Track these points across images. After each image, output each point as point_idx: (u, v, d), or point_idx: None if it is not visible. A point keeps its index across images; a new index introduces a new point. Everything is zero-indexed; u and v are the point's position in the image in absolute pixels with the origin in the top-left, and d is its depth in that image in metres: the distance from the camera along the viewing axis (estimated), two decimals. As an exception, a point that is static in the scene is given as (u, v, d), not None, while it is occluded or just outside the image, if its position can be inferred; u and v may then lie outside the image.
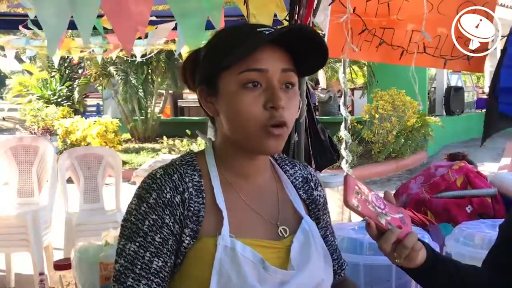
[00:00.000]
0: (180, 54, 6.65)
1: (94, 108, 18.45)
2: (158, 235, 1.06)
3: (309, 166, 1.37)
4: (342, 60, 4.47)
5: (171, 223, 1.06)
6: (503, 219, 1.81)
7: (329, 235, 1.32)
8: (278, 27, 1.17)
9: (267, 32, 1.07)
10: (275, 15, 2.73)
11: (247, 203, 1.15)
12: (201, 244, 1.07)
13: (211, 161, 1.16)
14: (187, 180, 1.10)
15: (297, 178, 1.28)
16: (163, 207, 1.06)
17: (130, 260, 1.05)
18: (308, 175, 1.31)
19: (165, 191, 1.07)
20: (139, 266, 1.05)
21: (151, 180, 1.10)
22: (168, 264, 1.07)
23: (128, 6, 2.06)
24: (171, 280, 1.10)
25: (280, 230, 1.16)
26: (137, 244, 1.06)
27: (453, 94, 14.32)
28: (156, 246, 1.05)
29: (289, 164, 1.30)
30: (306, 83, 2.68)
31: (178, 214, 1.07)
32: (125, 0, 1.99)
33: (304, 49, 1.10)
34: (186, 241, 1.07)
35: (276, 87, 1.08)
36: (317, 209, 1.28)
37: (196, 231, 1.08)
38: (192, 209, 1.08)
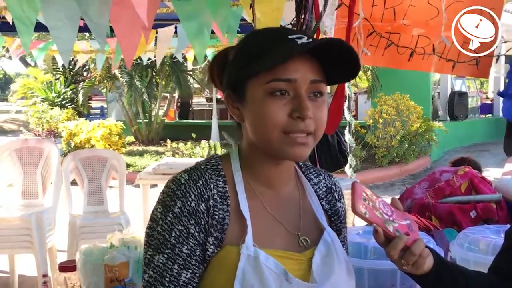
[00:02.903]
0: (185, 58, 6.67)
1: (98, 111, 18.49)
2: (186, 247, 1.05)
3: (333, 176, 1.33)
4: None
5: (196, 233, 1.06)
6: (507, 225, 1.81)
7: (344, 250, 1.28)
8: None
9: (299, 41, 1.04)
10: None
11: (270, 212, 1.13)
12: (224, 252, 1.06)
13: (236, 165, 1.14)
14: (212, 186, 1.09)
15: (321, 187, 1.26)
16: (188, 216, 1.05)
17: (159, 272, 1.05)
18: (333, 186, 1.28)
19: (190, 199, 1.06)
20: (167, 279, 1.05)
21: (175, 186, 1.08)
22: (197, 275, 1.07)
23: (134, 18, 2.08)
24: None
25: (301, 241, 1.15)
26: (165, 256, 1.05)
27: (457, 99, 14.31)
28: (184, 258, 1.05)
29: (313, 173, 1.28)
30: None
31: (202, 223, 1.06)
32: (132, 11, 2.00)
33: (335, 61, 1.07)
34: (210, 250, 1.06)
35: (304, 97, 1.05)
36: (339, 220, 1.27)
37: (220, 240, 1.07)
38: (216, 217, 1.07)
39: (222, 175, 1.12)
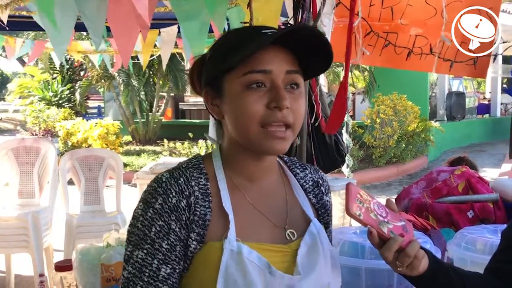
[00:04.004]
0: (182, 57, 6.66)
1: (95, 110, 18.47)
2: (165, 242, 1.05)
3: (320, 171, 1.34)
4: (343, 64, 4.47)
5: (177, 229, 1.06)
6: (504, 225, 1.81)
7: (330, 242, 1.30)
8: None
9: (270, 33, 1.07)
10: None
11: (254, 206, 1.14)
12: (208, 248, 1.07)
13: (218, 163, 1.15)
14: (193, 183, 1.09)
15: (307, 181, 1.26)
16: (169, 212, 1.05)
17: (138, 268, 1.05)
18: (319, 179, 1.29)
19: (171, 196, 1.06)
20: (147, 274, 1.04)
21: (156, 184, 1.08)
22: (177, 270, 1.06)
23: (131, 17, 2.07)
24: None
25: (288, 234, 1.15)
26: (144, 251, 1.05)
27: (454, 100, 14.33)
28: (164, 253, 1.05)
29: (299, 167, 1.28)
30: (319, 86, 2.69)
31: (184, 219, 1.06)
32: (129, 10, 2.00)
33: (309, 50, 1.09)
34: (193, 246, 1.07)
35: (281, 87, 1.07)
36: (326, 214, 1.27)
37: (202, 236, 1.07)
38: (198, 213, 1.07)
39: (204, 173, 1.13)
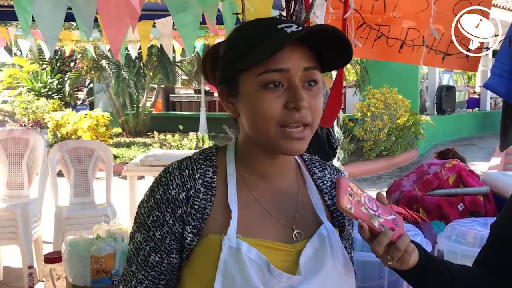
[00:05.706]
0: (173, 50, 6.60)
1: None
2: (158, 232, 1.09)
3: (341, 171, 1.31)
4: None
5: (171, 221, 1.08)
6: (495, 218, 1.82)
7: (348, 247, 1.27)
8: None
9: (288, 31, 1.02)
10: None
11: (260, 203, 1.12)
12: (207, 240, 1.07)
13: (231, 158, 1.14)
14: (198, 176, 1.10)
15: (325, 182, 1.23)
16: (166, 204, 1.08)
17: (136, 248, 1.12)
18: None
19: (171, 187, 1.08)
20: (140, 257, 1.11)
21: (163, 173, 1.12)
22: (165, 261, 1.10)
23: (121, 7, 2.05)
24: (179, 274, 1.12)
25: (295, 234, 1.12)
26: (142, 235, 1.11)
27: (445, 94, 14.40)
28: (155, 242, 1.09)
29: (318, 167, 1.25)
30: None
31: (179, 212, 1.08)
32: (119, 3, 1.97)
33: (327, 47, 1.05)
34: (189, 238, 1.07)
35: (298, 86, 1.03)
36: (342, 217, 1.23)
37: (199, 228, 1.07)
38: (196, 206, 1.08)
39: (213, 166, 1.13)
